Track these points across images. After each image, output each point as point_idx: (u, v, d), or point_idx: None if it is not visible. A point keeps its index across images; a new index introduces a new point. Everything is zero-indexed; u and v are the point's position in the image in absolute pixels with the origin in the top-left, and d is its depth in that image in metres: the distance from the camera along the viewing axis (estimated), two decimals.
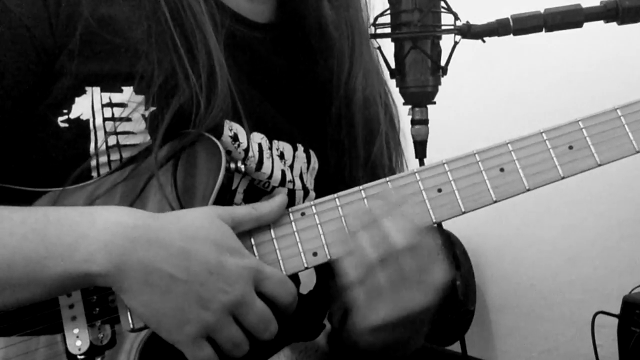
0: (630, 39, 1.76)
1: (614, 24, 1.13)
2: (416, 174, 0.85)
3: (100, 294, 0.84)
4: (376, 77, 1.14)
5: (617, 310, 1.81)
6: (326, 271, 1.06)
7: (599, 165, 0.84)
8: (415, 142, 1.19)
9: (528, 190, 0.85)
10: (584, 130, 0.85)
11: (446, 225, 1.37)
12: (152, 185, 0.88)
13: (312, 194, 1.04)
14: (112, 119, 0.89)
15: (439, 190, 0.84)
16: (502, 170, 0.84)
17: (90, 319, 0.84)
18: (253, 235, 0.84)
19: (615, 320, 1.81)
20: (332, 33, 1.08)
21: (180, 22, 0.93)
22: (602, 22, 1.13)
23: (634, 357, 1.73)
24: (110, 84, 0.89)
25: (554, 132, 0.85)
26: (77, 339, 0.83)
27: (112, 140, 0.89)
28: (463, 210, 0.84)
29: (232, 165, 0.91)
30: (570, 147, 0.84)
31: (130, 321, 0.83)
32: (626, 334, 1.76)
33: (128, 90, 0.89)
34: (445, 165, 0.85)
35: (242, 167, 0.92)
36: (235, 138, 0.94)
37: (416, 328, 0.88)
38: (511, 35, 1.14)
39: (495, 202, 0.84)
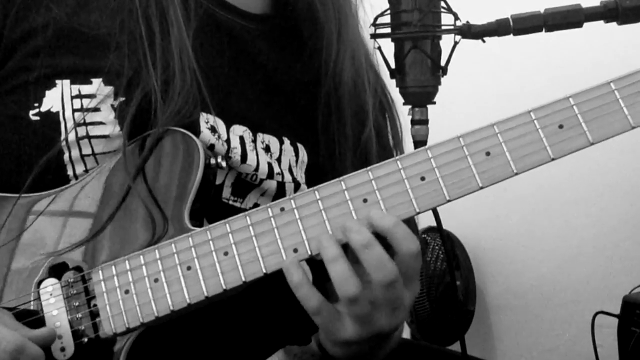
0: (630, 39, 1.76)
1: (614, 24, 1.13)
2: (398, 162, 0.81)
3: (82, 299, 0.84)
4: (365, 61, 1.12)
5: (617, 310, 1.81)
6: (322, 274, 1.05)
7: (592, 144, 0.79)
8: (415, 142, 1.19)
9: (516, 174, 0.80)
10: (575, 107, 0.79)
11: (446, 225, 1.37)
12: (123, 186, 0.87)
13: (304, 187, 1.02)
14: (82, 109, 0.89)
15: (422, 179, 0.80)
16: (488, 154, 0.80)
17: (74, 324, 0.83)
18: (233, 233, 0.82)
19: (615, 320, 1.81)
20: (320, 17, 1.07)
21: (148, 17, 0.93)
22: (602, 22, 1.13)
23: (634, 357, 1.73)
24: (80, 77, 0.90)
25: (543, 111, 0.80)
26: (62, 345, 0.83)
27: (82, 132, 0.89)
28: (448, 198, 0.79)
29: (213, 161, 0.89)
30: (561, 127, 0.79)
31: (112, 325, 0.82)
32: (626, 334, 1.76)
33: (97, 82, 0.90)
34: (428, 151, 0.81)
35: (224, 162, 0.90)
36: (213, 130, 0.93)
37: (383, 342, 0.86)
38: (511, 35, 1.14)
39: (482, 188, 0.80)
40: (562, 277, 2.27)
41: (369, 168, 0.81)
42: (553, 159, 0.79)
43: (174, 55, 0.91)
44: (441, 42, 1.18)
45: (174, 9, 0.93)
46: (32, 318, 0.84)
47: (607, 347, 1.97)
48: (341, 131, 1.06)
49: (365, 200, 0.80)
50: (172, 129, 0.88)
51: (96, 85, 0.90)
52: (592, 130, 0.79)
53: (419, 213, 0.81)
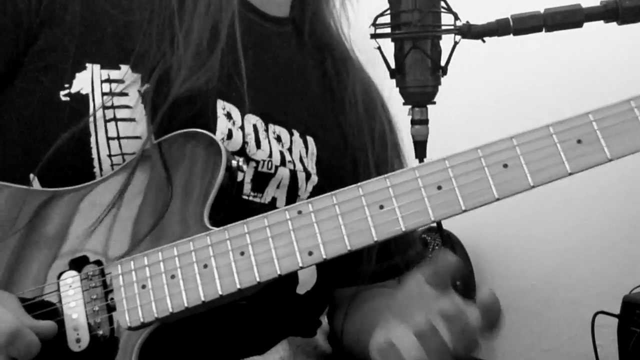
0: (630, 39, 1.77)
1: (614, 24, 1.13)
2: (415, 171, 0.82)
3: (100, 292, 0.85)
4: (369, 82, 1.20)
5: (617, 310, 1.81)
6: (328, 273, 1.06)
7: (610, 160, 0.79)
8: (415, 142, 1.19)
9: (533, 187, 0.80)
10: (594, 123, 0.80)
11: (446, 225, 1.37)
12: (150, 183, 0.89)
13: (315, 178, 1.05)
14: (110, 93, 0.92)
15: (439, 188, 0.81)
16: (505, 166, 0.80)
17: (90, 317, 0.85)
18: (250, 233, 0.83)
19: (615, 320, 1.81)
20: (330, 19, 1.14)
21: (184, 7, 0.97)
22: (602, 22, 1.13)
23: (634, 357, 1.73)
24: (109, 62, 0.93)
25: (561, 126, 0.81)
26: (77, 336, 0.84)
27: (109, 114, 0.91)
28: (463, 208, 0.80)
29: (234, 163, 0.90)
30: (579, 141, 0.80)
31: (127, 319, 0.83)
32: (626, 334, 1.76)
33: (125, 68, 0.93)
34: (446, 161, 0.82)
35: (245, 165, 0.92)
36: (229, 116, 0.96)
37: None
38: (511, 35, 1.14)
39: (498, 199, 0.80)
40: (562, 277, 2.27)
41: (386, 176, 0.83)
42: (570, 174, 0.79)
43: (210, 38, 0.95)
44: (441, 42, 1.18)
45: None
46: (49, 309, 0.85)
47: (607, 347, 1.98)
48: (354, 124, 1.12)
49: (381, 207, 0.82)
50: (195, 131, 0.90)
51: (124, 71, 0.93)
52: (611, 146, 0.79)
53: (434, 222, 0.82)
